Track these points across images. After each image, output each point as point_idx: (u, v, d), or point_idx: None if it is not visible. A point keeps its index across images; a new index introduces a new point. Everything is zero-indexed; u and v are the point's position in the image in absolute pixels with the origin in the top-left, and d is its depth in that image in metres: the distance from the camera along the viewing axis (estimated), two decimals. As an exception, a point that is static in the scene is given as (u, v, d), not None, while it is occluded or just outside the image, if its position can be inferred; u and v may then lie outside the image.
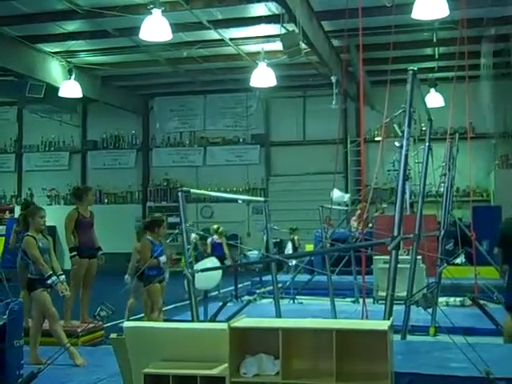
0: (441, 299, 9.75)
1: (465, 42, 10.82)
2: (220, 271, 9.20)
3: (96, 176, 23.29)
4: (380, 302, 10.39)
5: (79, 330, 8.04)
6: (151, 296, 9.00)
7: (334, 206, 11.86)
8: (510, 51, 11.69)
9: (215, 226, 14.02)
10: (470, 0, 12.33)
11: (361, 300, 9.17)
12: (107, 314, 5.80)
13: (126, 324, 5.00)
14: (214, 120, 22.68)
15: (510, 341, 7.58)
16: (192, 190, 6.82)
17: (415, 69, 6.49)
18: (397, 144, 6.39)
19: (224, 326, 4.54)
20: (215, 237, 13.61)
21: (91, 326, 8.02)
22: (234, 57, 17.21)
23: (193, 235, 13.64)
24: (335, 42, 15.97)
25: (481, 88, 15.93)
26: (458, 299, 10.90)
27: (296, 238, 15.84)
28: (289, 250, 15.53)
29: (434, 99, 17.55)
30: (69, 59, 17.12)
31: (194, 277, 6.49)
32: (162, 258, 8.75)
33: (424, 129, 14.95)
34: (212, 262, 9.06)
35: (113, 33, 14.98)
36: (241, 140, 22.59)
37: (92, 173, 23.63)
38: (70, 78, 16.90)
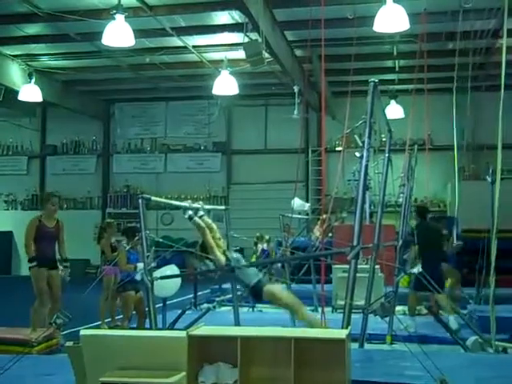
0: (398, 308, 9.86)
1: (424, 56, 11.03)
2: (179, 279, 9.16)
3: (55, 181, 22.97)
4: (339, 310, 10.46)
5: (34, 338, 7.89)
6: (124, 303, 8.98)
7: (294, 215, 11.91)
8: (468, 65, 11.97)
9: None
10: (429, 15, 12.60)
11: (320, 309, 9.23)
12: (64, 321, 5.73)
13: (83, 332, 4.93)
14: (176, 127, 22.61)
15: (411, 313, 9.53)
16: (153, 198, 6.77)
17: (376, 81, 6.58)
18: (357, 154, 6.47)
19: (182, 333, 4.52)
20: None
21: (46, 333, 7.88)
22: (197, 64, 17.21)
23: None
24: (298, 52, 16.09)
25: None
26: (414, 308, 11.03)
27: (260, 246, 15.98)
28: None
29: (394, 111, 17.82)
30: (29, 63, 16.93)
31: (153, 284, 6.45)
32: (140, 265, 8.62)
33: (384, 140, 15.13)
34: (171, 269, 9.02)
35: (75, 37, 14.85)
36: (202, 147, 22.57)
37: (51, 178, 23.30)
38: (30, 82, 16.70)
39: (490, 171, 12.02)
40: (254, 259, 15.19)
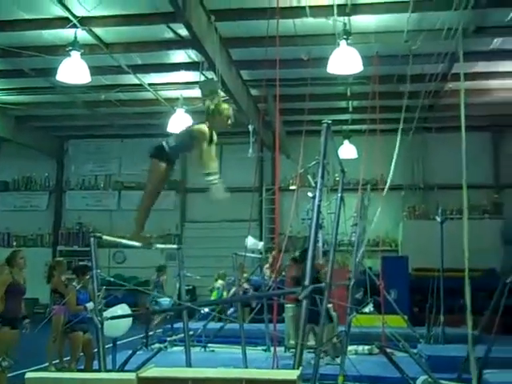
0: (350, 347, 9.87)
1: (376, 97, 11.30)
2: (130, 319, 9.02)
3: (6, 218, 22.51)
4: (291, 350, 10.43)
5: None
6: (72, 344, 8.76)
7: (247, 254, 11.90)
8: (416, 107, 12.29)
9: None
10: (382, 58, 12.95)
11: (272, 348, 9.18)
12: (9, 363, 5.58)
13: (28, 375, 4.79)
14: (130, 164, 22.40)
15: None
16: (104, 237, 6.67)
17: (329, 121, 6.68)
18: (310, 194, 6.53)
19: (132, 375, 4.43)
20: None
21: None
22: (153, 102, 17.23)
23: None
24: (253, 92, 16.27)
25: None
26: (366, 348, 11.07)
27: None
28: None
29: (347, 150, 18.10)
30: (-18, 97, 16.71)
31: (102, 324, 6.32)
32: (90, 305, 8.45)
33: (337, 179, 15.34)
34: (122, 308, 8.87)
35: (29, 73, 14.72)
36: (156, 185, 22.38)
37: (1, 214, 22.77)
38: (-19, 117, 16.48)
39: (439, 211, 12.31)
40: (214, 296, 15.25)
